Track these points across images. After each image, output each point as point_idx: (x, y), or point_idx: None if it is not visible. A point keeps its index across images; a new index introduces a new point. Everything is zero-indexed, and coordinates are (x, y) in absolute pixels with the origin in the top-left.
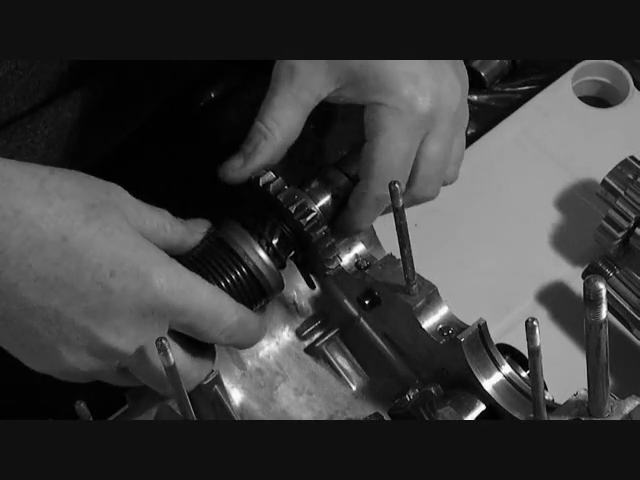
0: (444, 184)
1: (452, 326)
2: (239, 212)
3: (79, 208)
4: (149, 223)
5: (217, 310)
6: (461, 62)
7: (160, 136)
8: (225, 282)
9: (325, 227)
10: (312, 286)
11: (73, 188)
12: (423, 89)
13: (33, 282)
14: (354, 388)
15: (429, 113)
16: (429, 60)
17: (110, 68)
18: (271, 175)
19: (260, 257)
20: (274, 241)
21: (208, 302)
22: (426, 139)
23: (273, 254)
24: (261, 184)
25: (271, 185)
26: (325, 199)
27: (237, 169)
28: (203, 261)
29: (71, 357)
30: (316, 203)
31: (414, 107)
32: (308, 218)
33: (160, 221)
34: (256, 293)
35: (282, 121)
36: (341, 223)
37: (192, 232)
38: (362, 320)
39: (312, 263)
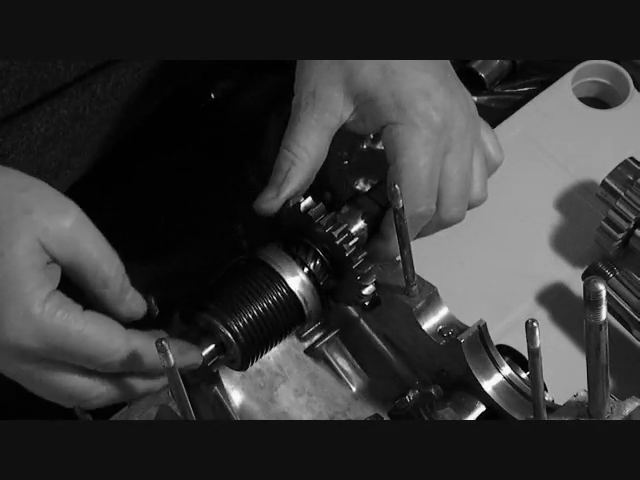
0: (473, 205)
1: (452, 327)
2: (272, 236)
3: None
4: None
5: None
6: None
7: (159, 136)
8: (267, 303)
9: (365, 253)
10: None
11: None
12: (436, 103)
13: None
14: (354, 389)
15: (445, 128)
16: (439, 78)
17: (107, 67)
18: (310, 200)
19: (303, 281)
20: (311, 265)
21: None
22: (445, 159)
23: (313, 279)
24: (302, 209)
25: (312, 210)
26: (358, 226)
27: (270, 200)
28: (241, 280)
29: None
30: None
31: (430, 121)
32: (350, 243)
33: None
34: (296, 317)
35: (309, 146)
36: (373, 251)
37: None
38: (362, 321)
39: (345, 290)
